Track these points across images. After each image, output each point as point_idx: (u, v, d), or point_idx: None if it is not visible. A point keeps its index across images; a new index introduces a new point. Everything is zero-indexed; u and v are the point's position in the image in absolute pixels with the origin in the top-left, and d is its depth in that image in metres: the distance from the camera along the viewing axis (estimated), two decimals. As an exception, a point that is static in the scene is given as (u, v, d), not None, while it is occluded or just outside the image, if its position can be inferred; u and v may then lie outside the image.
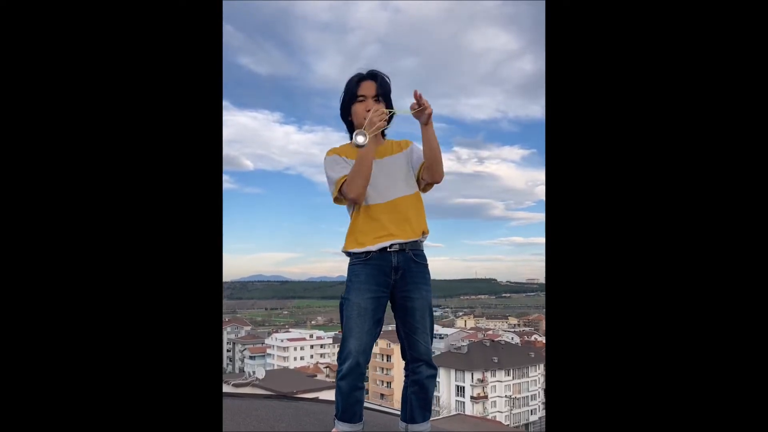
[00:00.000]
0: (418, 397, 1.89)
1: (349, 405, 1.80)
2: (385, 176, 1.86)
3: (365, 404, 1.93)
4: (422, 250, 1.90)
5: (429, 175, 1.87)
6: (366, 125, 1.75)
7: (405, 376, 1.93)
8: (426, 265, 1.89)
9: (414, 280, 1.84)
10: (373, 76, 1.88)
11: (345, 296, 1.84)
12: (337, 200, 1.87)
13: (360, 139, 1.72)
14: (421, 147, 1.89)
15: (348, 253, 1.87)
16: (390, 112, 1.82)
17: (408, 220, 1.85)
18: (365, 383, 1.91)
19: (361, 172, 1.77)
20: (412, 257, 1.84)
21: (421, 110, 1.74)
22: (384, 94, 1.89)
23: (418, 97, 1.72)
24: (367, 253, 1.80)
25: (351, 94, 1.88)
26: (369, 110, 1.82)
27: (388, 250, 1.80)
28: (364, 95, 1.87)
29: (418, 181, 1.92)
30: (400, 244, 1.81)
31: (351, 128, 1.93)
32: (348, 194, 1.80)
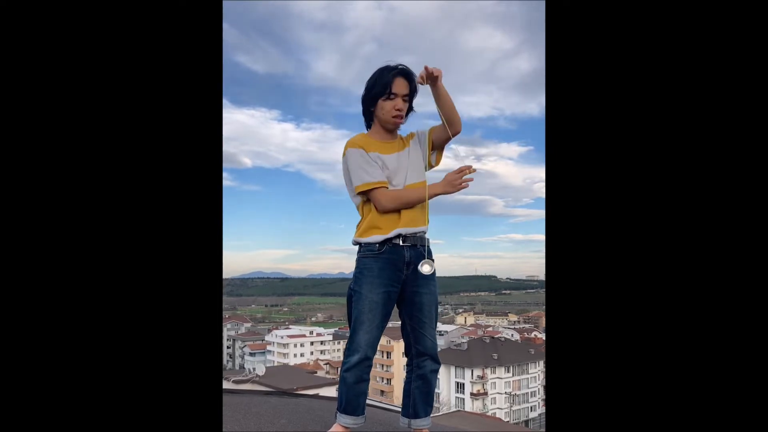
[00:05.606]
0: (422, 391, 1.89)
1: (353, 397, 1.79)
2: (403, 169, 1.86)
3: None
4: (430, 246, 1.90)
5: (449, 128, 1.82)
6: (447, 184, 1.78)
7: (408, 371, 1.93)
8: (433, 261, 1.89)
9: (424, 275, 1.84)
10: (407, 74, 1.82)
11: (355, 288, 1.81)
12: (357, 195, 1.83)
13: (426, 269, 1.79)
14: (423, 130, 1.92)
15: (359, 244, 1.84)
16: (471, 170, 1.78)
17: (422, 207, 1.85)
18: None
19: (411, 203, 1.80)
20: (422, 253, 1.85)
21: (434, 80, 1.73)
22: (412, 94, 1.86)
23: (429, 73, 1.70)
24: (381, 245, 1.79)
25: (383, 89, 1.80)
26: (398, 108, 1.81)
27: (401, 244, 1.80)
28: (396, 93, 1.81)
29: (432, 150, 1.93)
30: (411, 237, 1.81)
31: (371, 119, 1.89)
32: (385, 205, 1.79)
